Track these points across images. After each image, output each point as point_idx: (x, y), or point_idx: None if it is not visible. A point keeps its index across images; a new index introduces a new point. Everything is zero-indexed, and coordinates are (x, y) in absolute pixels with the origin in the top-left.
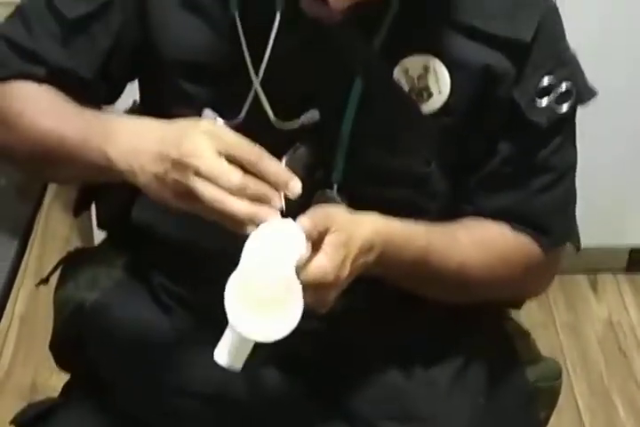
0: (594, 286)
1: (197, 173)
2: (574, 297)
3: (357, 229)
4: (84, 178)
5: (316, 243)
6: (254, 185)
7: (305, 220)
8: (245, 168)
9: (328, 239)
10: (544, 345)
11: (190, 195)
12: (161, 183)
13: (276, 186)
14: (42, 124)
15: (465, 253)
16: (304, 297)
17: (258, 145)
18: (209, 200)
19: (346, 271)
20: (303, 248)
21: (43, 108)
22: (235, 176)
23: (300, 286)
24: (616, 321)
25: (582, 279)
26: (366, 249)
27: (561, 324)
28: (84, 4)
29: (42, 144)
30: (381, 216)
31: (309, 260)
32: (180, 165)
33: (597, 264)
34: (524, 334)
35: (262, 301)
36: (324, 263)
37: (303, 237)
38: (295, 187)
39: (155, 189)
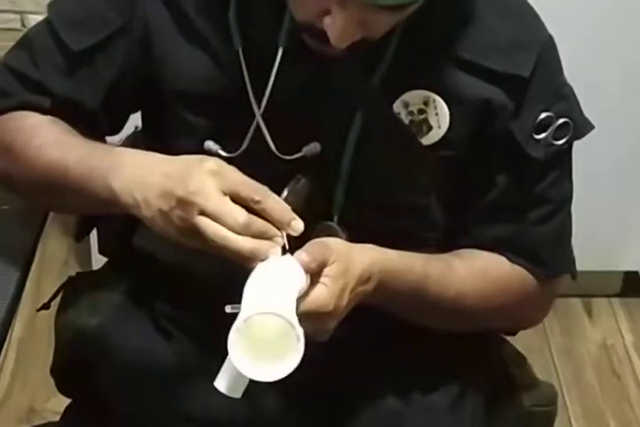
0: (588, 310)
1: (202, 212)
2: (569, 321)
3: (355, 260)
4: (87, 210)
5: (315, 274)
6: (258, 224)
7: (302, 254)
8: (249, 207)
9: (327, 270)
10: (539, 369)
11: (194, 232)
12: (165, 219)
13: (279, 225)
14: (47, 156)
15: (462, 283)
16: (304, 326)
17: (259, 177)
18: (213, 238)
19: (344, 301)
20: (303, 282)
21: (48, 140)
22: (240, 215)
23: (302, 329)
24: (610, 345)
25: (577, 303)
26: (365, 279)
27: (556, 347)
28: (89, 37)
29: (46, 175)
30: (379, 247)
31: (309, 291)
32: (185, 202)
33: (592, 289)
34: (521, 360)
35: (264, 342)
36: (323, 294)
37: (302, 271)
38: (297, 226)
39: (159, 224)
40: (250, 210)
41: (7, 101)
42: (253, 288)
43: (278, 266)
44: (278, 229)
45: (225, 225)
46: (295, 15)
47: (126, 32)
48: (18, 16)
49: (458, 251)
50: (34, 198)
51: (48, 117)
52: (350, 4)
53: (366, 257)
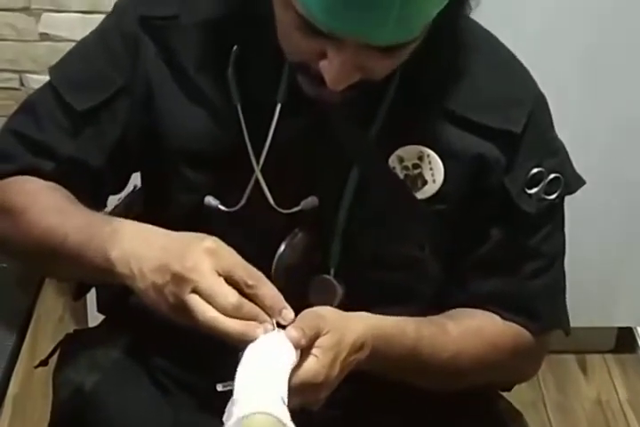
0: (583, 366)
1: (195, 290)
2: (563, 377)
3: (348, 328)
4: (83, 278)
5: (307, 346)
6: (248, 307)
7: (292, 331)
8: (241, 290)
9: (319, 341)
10: (534, 424)
11: (185, 308)
12: (158, 292)
13: (270, 312)
14: (46, 221)
15: (455, 344)
16: (295, 398)
17: (258, 231)
18: (202, 317)
19: (335, 371)
20: (293, 357)
21: (48, 205)
22: (232, 297)
23: (294, 425)
24: (605, 401)
25: (571, 359)
26: (358, 346)
27: (550, 403)
28: (92, 97)
29: (44, 240)
30: (372, 314)
31: (300, 362)
32: (179, 279)
33: (586, 345)
34: (517, 415)
35: None
36: (314, 366)
37: (293, 348)
38: (288, 315)
39: (151, 296)
40: (242, 293)
41: (10, 166)
42: (245, 377)
43: (268, 348)
44: (269, 315)
45: (216, 305)
46: (289, 57)
47: (128, 90)
48: (16, 75)
49: (450, 312)
50: (30, 262)
51: (50, 183)
52: (346, 47)
53: (360, 325)
